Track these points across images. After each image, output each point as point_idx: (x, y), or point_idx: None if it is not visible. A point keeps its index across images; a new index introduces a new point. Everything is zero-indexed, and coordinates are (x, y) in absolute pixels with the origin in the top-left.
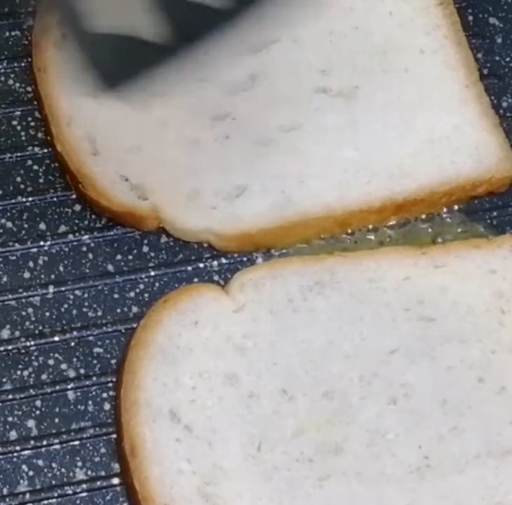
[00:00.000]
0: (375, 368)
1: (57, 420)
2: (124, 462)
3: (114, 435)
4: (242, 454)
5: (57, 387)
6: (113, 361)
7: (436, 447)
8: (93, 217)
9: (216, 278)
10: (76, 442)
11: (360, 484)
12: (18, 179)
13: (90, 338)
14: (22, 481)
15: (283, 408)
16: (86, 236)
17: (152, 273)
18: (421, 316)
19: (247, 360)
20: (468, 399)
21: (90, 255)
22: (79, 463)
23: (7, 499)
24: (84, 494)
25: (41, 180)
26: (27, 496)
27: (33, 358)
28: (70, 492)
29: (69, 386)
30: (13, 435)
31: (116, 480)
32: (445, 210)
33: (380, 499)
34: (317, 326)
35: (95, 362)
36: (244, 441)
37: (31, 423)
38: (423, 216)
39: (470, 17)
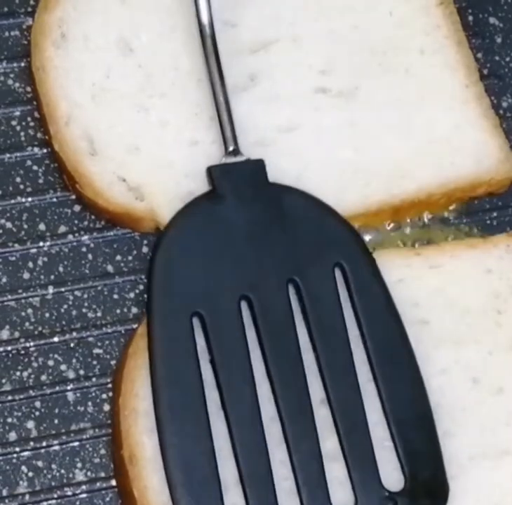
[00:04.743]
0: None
1: (56, 421)
2: (123, 470)
3: None
4: None
5: (57, 388)
6: (112, 362)
7: None
8: (93, 217)
9: None
10: (76, 443)
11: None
12: (18, 179)
13: (90, 339)
14: (21, 482)
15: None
16: (86, 237)
17: None
18: (416, 320)
19: None
20: (462, 401)
21: (90, 256)
22: (79, 465)
23: (6, 500)
24: (84, 495)
25: (41, 180)
26: (27, 497)
27: (32, 358)
28: (69, 493)
29: (69, 387)
30: (13, 436)
31: (115, 482)
32: (444, 211)
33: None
34: None
35: (94, 363)
36: None
37: (30, 424)
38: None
39: (470, 17)
